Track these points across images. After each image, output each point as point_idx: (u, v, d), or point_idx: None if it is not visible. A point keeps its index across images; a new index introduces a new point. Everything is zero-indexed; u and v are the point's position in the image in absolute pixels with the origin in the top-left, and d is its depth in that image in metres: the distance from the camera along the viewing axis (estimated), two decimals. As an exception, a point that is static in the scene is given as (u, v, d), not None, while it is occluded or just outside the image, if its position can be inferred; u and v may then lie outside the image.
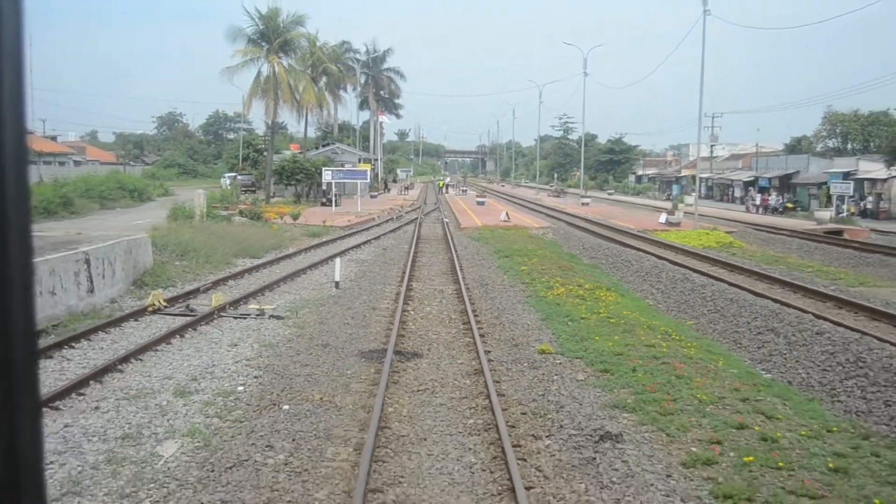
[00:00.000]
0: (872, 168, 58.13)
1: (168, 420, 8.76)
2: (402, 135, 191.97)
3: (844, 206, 49.85)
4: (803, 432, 7.93)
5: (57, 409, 9.06)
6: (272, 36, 43.48)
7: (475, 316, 14.30)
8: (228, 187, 62.86)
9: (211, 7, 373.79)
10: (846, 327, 12.40)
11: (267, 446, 7.75)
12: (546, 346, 11.63)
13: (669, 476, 6.88)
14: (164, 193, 61.83)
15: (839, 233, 35.24)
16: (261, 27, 43.71)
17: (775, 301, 15.07)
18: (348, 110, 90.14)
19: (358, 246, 27.15)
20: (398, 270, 20.95)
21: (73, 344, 12.18)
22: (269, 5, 45.76)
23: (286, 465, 7.29)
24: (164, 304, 15.41)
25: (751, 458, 7.04)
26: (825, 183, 60.41)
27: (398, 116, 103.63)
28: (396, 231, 34.24)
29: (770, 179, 73.35)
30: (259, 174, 64.08)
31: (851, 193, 51.08)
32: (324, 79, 62.12)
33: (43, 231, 21.04)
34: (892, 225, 45.27)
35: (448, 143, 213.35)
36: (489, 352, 11.64)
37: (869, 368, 10.21)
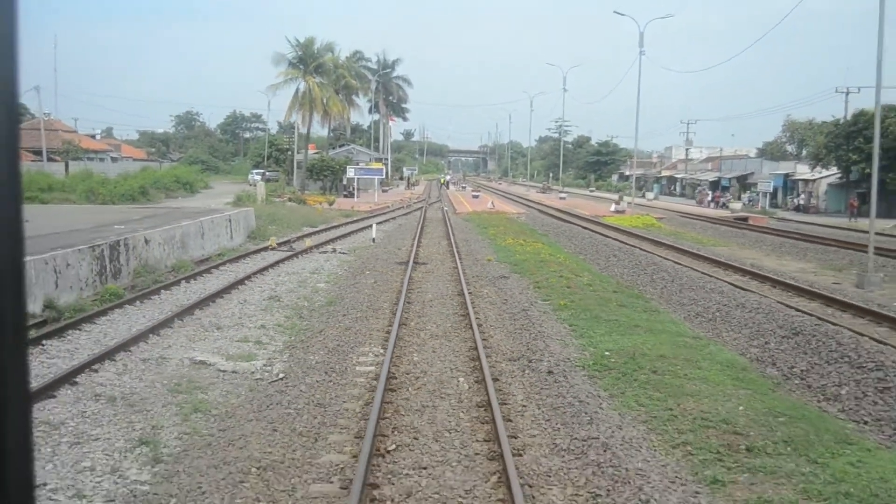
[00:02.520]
0: (806, 170, 69.26)
1: (313, 279, 19.78)
2: (408, 135, 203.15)
3: (766, 200, 60.94)
4: (587, 279, 19.02)
5: (264, 272, 20.13)
6: (308, 60, 54.69)
7: (458, 251, 25.34)
8: (259, 182, 74.33)
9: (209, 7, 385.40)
10: (650, 252, 23.58)
11: (364, 280, 18.92)
12: (490, 258, 22.84)
13: (521, 285, 18.01)
14: (205, 186, 73.09)
15: (745, 219, 46.18)
16: (299, 53, 54.93)
17: (627, 245, 26.28)
18: (361, 114, 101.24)
19: (381, 222, 38.14)
20: (412, 234, 32.00)
21: (245, 256, 23.30)
22: (305, 35, 56.83)
23: (373, 283, 18.47)
24: (276, 245, 26.48)
25: (554, 280, 18.14)
26: (770, 182, 71.61)
27: (405, 119, 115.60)
28: (407, 215, 45.36)
29: (730, 179, 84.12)
30: (284, 170, 75.37)
31: (772, 190, 62.00)
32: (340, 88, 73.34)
33: (176, 205, 32.17)
34: (817, 218, 56.19)
35: (451, 143, 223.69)
36: (463, 262, 22.70)
37: (640, 263, 21.37)
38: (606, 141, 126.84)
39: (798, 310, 14.56)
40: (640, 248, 26.22)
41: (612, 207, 48.76)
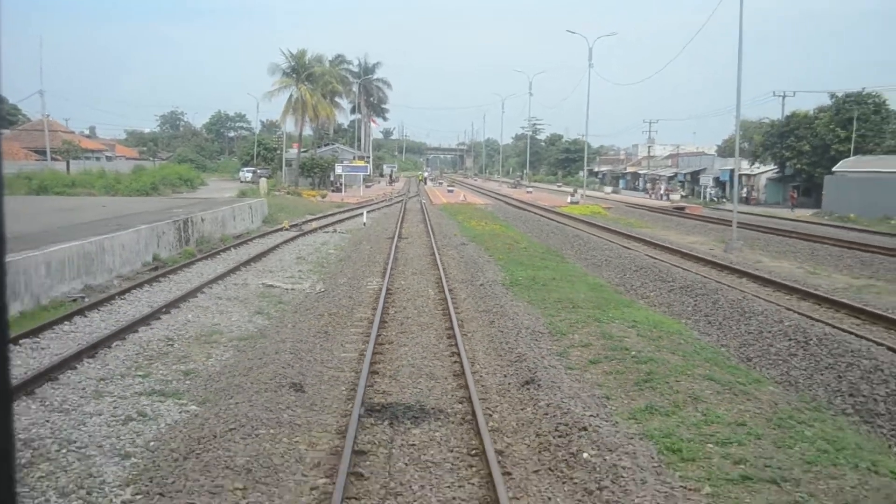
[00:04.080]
0: (746, 166, 77.26)
1: (324, 248, 26.77)
2: (387, 133, 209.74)
3: (713, 192, 68.73)
4: (524, 245, 26.21)
5: (287, 243, 27.08)
6: (301, 70, 61.53)
7: (432, 231, 32.42)
8: (249, 179, 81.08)
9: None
10: (581, 230, 30.87)
11: (363, 247, 26.00)
12: (456, 234, 30.03)
13: (475, 249, 25.18)
14: (202, 183, 79.63)
15: (683, 209, 53.67)
16: (292, 64, 61.78)
17: (566, 226, 33.59)
18: (344, 114, 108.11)
19: (370, 211, 45.12)
20: (395, 219, 39.06)
21: (268, 234, 30.24)
22: (296, 47, 63.30)
23: (370, 249, 25.58)
24: (289, 227, 33.42)
25: (500, 246, 25.31)
26: (718, 178, 79.70)
27: (385, 119, 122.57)
28: (391, 206, 52.40)
29: (684, 175, 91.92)
30: (273, 168, 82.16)
31: (712, 185, 69.80)
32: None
33: (201, 195, 39.07)
34: (756, 209, 63.90)
35: (430, 141, 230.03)
36: (435, 237, 29.78)
37: (569, 236, 28.62)
38: (576, 139, 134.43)
39: (653, 257, 21.85)
40: (575, 228, 33.53)
41: (568, 199, 56.13)
